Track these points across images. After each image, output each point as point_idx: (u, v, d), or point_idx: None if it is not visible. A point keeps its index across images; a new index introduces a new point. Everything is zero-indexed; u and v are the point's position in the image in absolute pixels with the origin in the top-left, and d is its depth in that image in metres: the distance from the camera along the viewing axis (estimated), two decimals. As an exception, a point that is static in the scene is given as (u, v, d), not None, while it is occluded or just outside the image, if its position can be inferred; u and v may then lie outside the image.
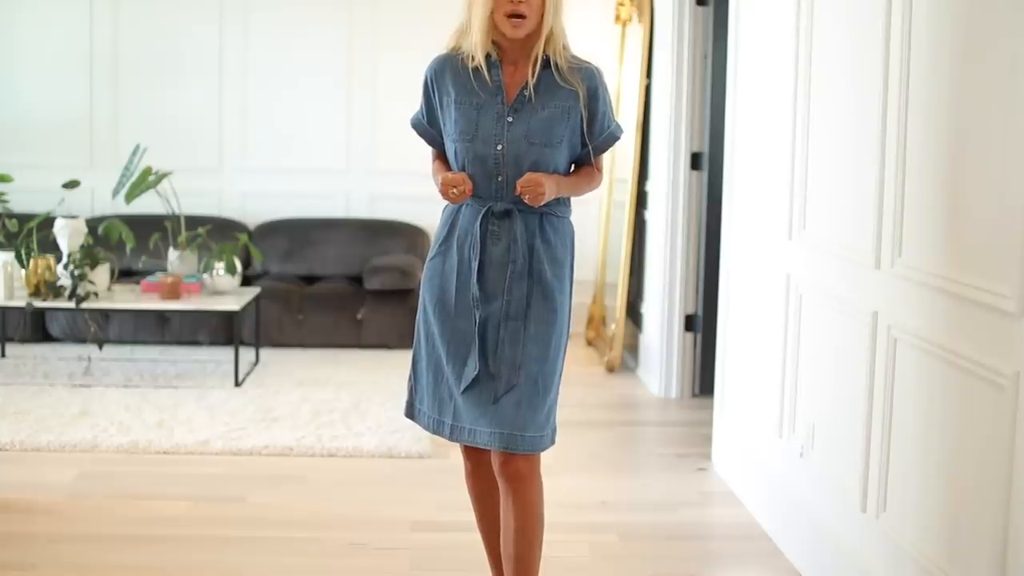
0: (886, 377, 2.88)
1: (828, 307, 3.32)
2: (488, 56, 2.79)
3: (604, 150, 2.89)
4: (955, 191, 2.53)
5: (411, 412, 2.95)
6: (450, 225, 2.84)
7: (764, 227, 3.90)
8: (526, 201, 2.72)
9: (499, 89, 2.78)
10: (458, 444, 2.91)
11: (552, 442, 2.82)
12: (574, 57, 2.81)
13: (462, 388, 2.77)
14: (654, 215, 5.75)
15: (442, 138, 2.88)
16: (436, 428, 2.85)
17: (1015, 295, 2.27)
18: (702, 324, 5.46)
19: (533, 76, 2.77)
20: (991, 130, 2.37)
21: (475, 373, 2.75)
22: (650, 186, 5.90)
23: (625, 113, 6.23)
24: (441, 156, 2.94)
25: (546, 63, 2.77)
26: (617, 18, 6.43)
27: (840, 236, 3.20)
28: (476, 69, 2.78)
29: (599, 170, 2.94)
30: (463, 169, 2.80)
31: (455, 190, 2.74)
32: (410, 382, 2.94)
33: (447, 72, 2.83)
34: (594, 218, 6.78)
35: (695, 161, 5.42)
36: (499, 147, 2.75)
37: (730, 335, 4.31)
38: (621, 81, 6.36)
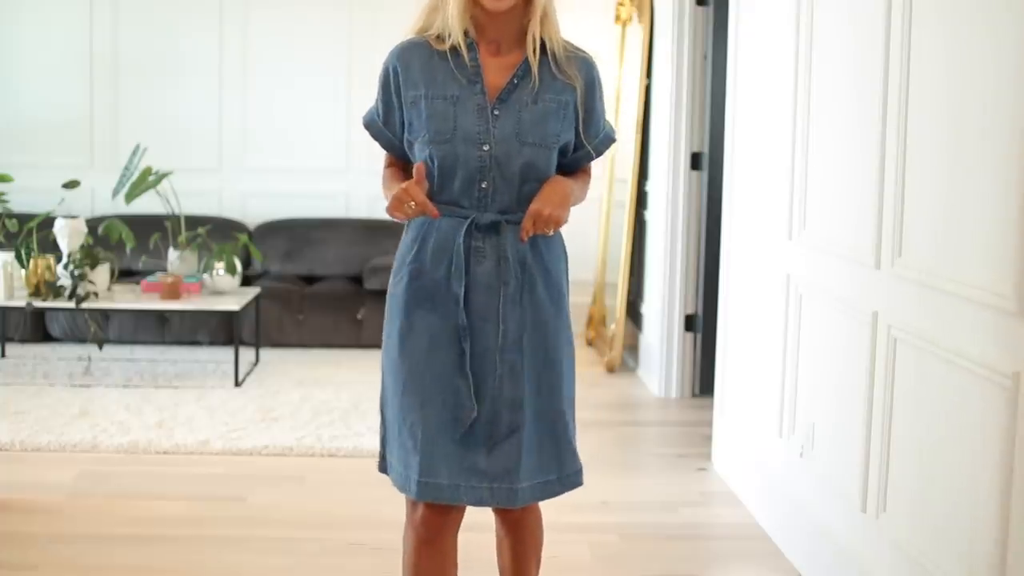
0: (886, 377, 2.88)
1: (828, 307, 3.32)
2: (465, 34, 2.34)
3: (601, 153, 2.50)
4: (955, 191, 2.53)
5: (382, 465, 2.50)
6: (420, 242, 2.37)
7: (764, 227, 3.90)
8: (550, 233, 2.33)
9: (478, 76, 2.33)
10: (410, 503, 2.41)
11: (580, 481, 2.46)
12: (570, 44, 2.41)
13: (459, 434, 2.32)
14: (654, 215, 5.75)
15: (401, 141, 2.43)
16: (404, 484, 2.37)
17: (1015, 295, 2.27)
18: (702, 324, 5.46)
19: (535, 58, 2.34)
20: (991, 130, 2.37)
21: (474, 415, 2.31)
22: (650, 186, 5.90)
23: (625, 113, 6.24)
24: (397, 162, 2.49)
25: (543, 49, 2.36)
26: (617, 18, 6.43)
27: (840, 236, 3.20)
28: (453, 51, 2.33)
29: (590, 174, 2.56)
30: (439, 177, 2.33)
31: (410, 205, 2.25)
32: (382, 431, 2.49)
33: (414, 61, 2.36)
34: (594, 218, 6.78)
35: (695, 161, 5.42)
36: (485, 147, 2.30)
37: (730, 335, 4.31)
38: (621, 81, 6.36)
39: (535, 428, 2.37)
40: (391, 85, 2.40)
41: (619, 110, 6.39)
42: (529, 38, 2.34)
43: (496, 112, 2.32)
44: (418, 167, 2.27)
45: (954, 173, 2.54)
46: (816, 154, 3.41)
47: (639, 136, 5.93)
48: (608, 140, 2.52)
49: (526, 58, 2.35)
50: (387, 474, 2.47)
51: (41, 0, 6.94)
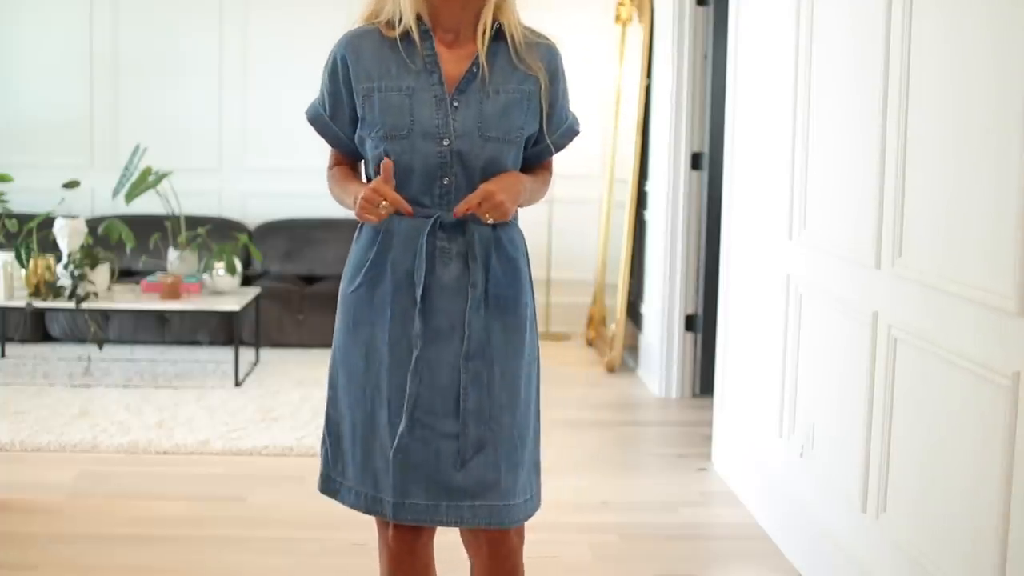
0: (886, 377, 2.88)
1: (828, 307, 3.31)
2: (419, 21, 2.18)
3: (562, 147, 2.34)
4: (955, 191, 2.53)
5: (328, 486, 2.32)
6: (379, 245, 2.21)
7: (764, 227, 3.90)
8: (487, 220, 2.16)
9: (434, 66, 2.17)
10: (381, 521, 2.31)
11: (539, 504, 2.31)
12: (530, 31, 2.26)
13: (392, 451, 2.18)
14: (654, 215, 5.75)
15: (349, 137, 2.28)
16: (370, 506, 2.25)
17: (1015, 295, 2.27)
18: (702, 324, 5.46)
19: (484, 47, 2.18)
20: (991, 130, 2.37)
21: (401, 429, 2.17)
22: (650, 186, 5.90)
23: (625, 113, 6.24)
24: (344, 160, 2.34)
25: (497, 35, 2.21)
26: (617, 18, 6.43)
27: (840, 236, 3.20)
28: (405, 38, 2.18)
29: (550, 170, 2.40)
30: (397, 174, 2.16)
31: (383, 206, 2.10)
32: (323, 446, 2.32)
33: (364, 50, 2.20)
34: (594, 218, 6.78)
35: (695, 161, 5.42)
36: (444, 142, 2.15)
37: (730, 335, 4.31)
38: (621, 81, 6.36)
39: (500, 439, 2.20)
40: (339, 76, 2.23)
41: (619, 110, 6.39)
42: (480, 25, 2.18)
43: (455, 104, 2.17)
44: (386, 164, 2.11)
45: (955, 173, 2.54)
46: (816, 154, 3.41)
47: (639, 136, 5.93)
48: (570, 132, 2.34)
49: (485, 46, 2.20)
50: (334, 496, 2.31)
51: (41, 0, 6.94)
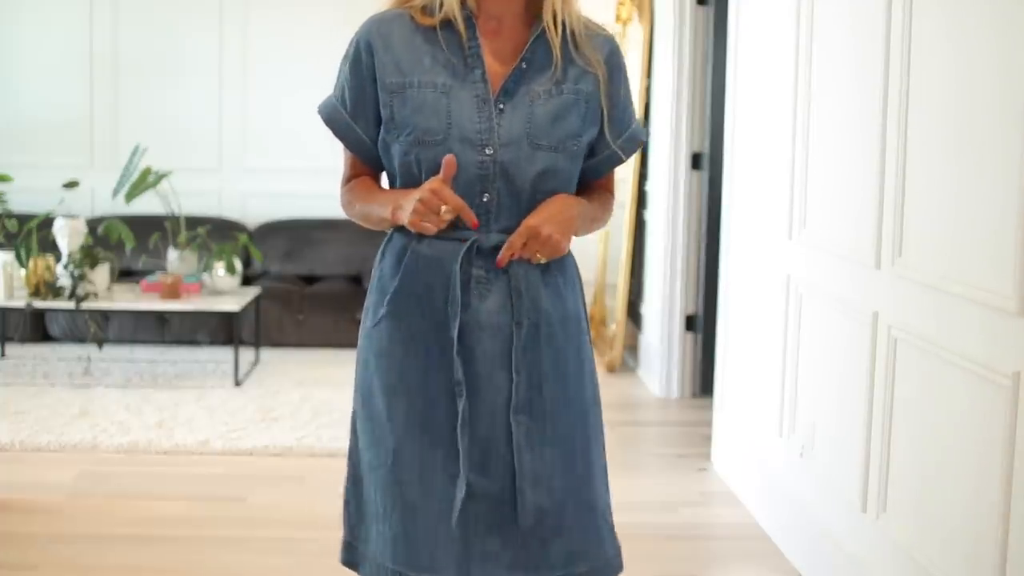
0: (886, 377, 2.88)
1: (828, 307, 3.31)
2: (462, 6, 1.86)
3: (628, 155, 2.00)
4: (955, 191, 2.53)
5: (352, 557, 2.05)
6: (404, 271, 1.89)
7: (764, 227, 3.90)
8: (539, 261, 1.86)
9: (477, 60, 1.85)
10: None
11: (621, 563, 2.01)
12: (589, 21, 1.94)
13: (453, 518, 1.86)
14: (654, 215, 5.75)
15: (373, 141, 1.93)
16: None
17: (1015, 295, 2.27)
18: (702, 324, 5.46)
19: (557, 35, 1.87)
20: (991, 130, 2.37)
21: (461, 493, 1.85)
22: (650, 186, 5.90)
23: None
24: (364, 170, 2.00)
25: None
26: (617, 18, 6.43)
27: (840, 236, 3.20)
28: (444, 26, 1.86)
29: (612, 192, 2.06)
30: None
31: (445, 211, 1.78)
32: (347, 509, 2.03)
33: (393, 39, 1.87)
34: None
35: (695, 161, 5.42)
36: (487, 151, 1.83)
37: (730, 335, 4.31)
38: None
39: (564, 504, 1.91)
40: (363, 67, 1.89)
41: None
42: (548, 8, 1.85)
43: (501, 106, 1.84)
44: (448, 160, 1.78)
45: (955, 173, 2.54)
46: (816, 154, 3.41)
47: (639, 136, 5.93)
48: (635, 139, 2.00)
49: (536, 38, 1.86)
50: (356, 569, 2.03)
51: (41, 0, 6.94)
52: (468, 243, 1.85)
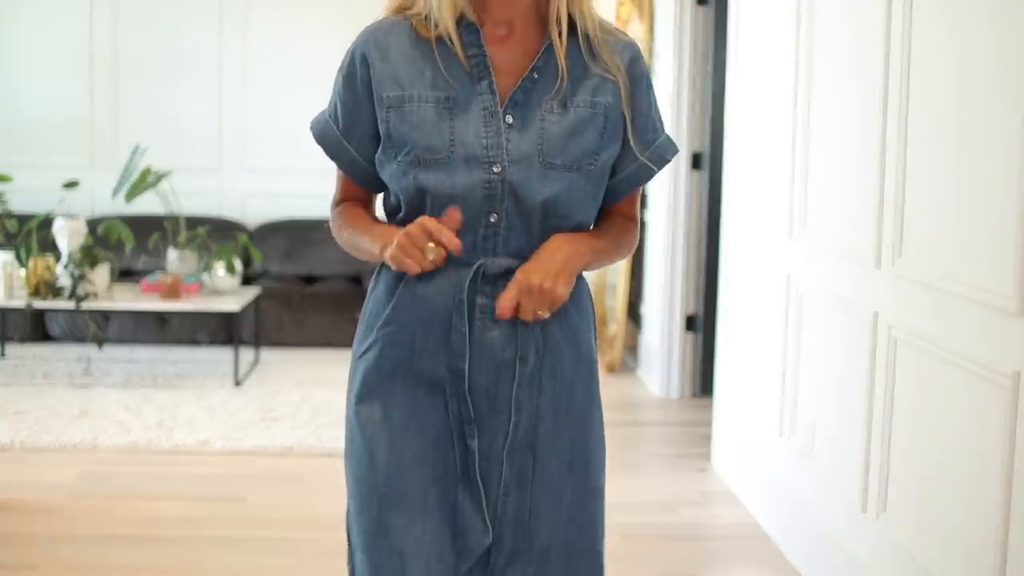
0: (886, 377, 2.88)
1: (828, 307, 3.31)
2: (461, 17, 1.70)
3: (659, 167, 1.80)
4: (955, 191, 2.53)
5: None
6: (400, 296, 1.73)
7: (764, 227, 3.90)
8: (539, 318, 1.69)
9: (483, 71, 1.69)
10: None
11: None
12: (607, 24, 1.76)
13: (465, 567, 1.73)
14: (654, 215, 5.75)
15: (369, 161, 1.77)
16: None
17: (1016, 295, 2.26)
18: (703, 324, 5.46)
19: (562, 43, 1.69)
20: (991, 129, 2.37)
21: (488, 540, 1.72)
22: (650, 186, 5.90)
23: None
24: (356, 192, 1.85)
25: (570, 31, 1.71)
26: (617, 18, 6.42)
27: (840, 236, 3.20)
28: (442, 39, 1.70)
29: (634, 220, 1.87)
30: (432, 211, 1.68)
31: (430, 250, 1.63)
32: (350, 565, 1.84)
33: (391, 50, 1.72)
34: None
35: (695, 161, 5.42)
36: (495, 169, 1.67)
37: (730, 335, 4.31)
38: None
39: (556, 561, 1.78)
40: (358, 80, 1.74)
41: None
42: (553, 12, 1.69)
43: (510, 120, 1.68)
44: (452, 214, 1.64)
45: (955, 172, 2.54)
46: (816, 153, 3.41)
47: (639, 136, 5.92)
48: (664, 154, 1.80)
49: (548, 45, 1.70)
50: None
51: (41, 0, 6.94)
52: (474, 268, 1.69)
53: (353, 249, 1.82)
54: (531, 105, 1.69)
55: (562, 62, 1.69)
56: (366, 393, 1.74)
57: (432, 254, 1.64)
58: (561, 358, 1.75)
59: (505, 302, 1.66)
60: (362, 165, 1.78)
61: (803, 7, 3.50)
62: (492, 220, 1.69)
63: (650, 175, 1.79)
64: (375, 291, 1.79)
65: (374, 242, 1.73)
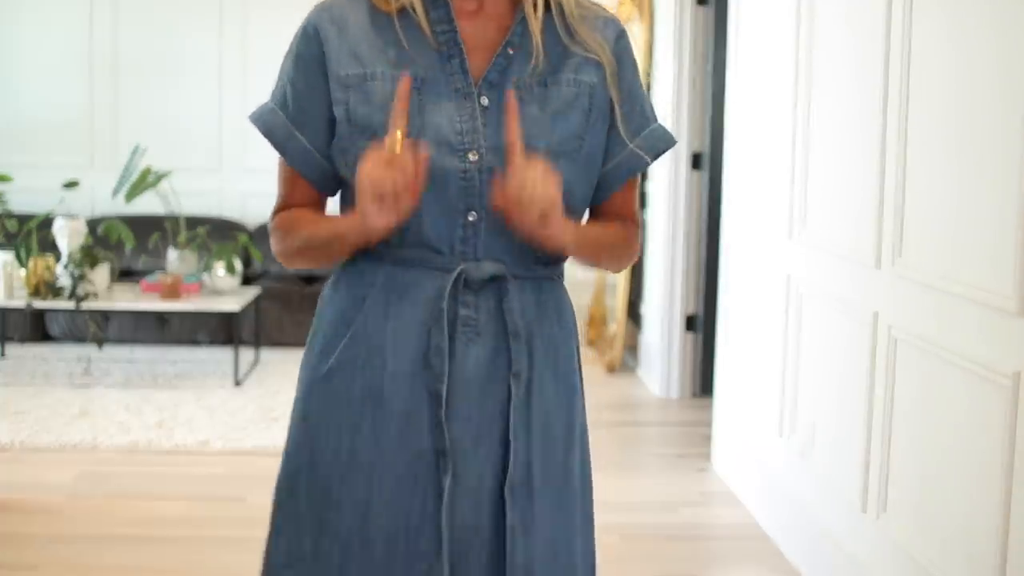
0: (886, 377, 2.88)
1: (828, 307, 3.31)
2: None
3: (655, 156, 1.61)
4: (955, 191, 2.53)
5: None
6: (367, 307, 1.50)
7: (764, 227, 3.90)
8: (524, 226, 1.43)
9: (454, 49, 1.49)
10: None
11: None
12: (586, 0, 1.58)
13: None
14: (654, 215, 5.75)
15: (323, 153, 1.54)
16: None
17: (1016, 295, 2.26)
18: (703, 324, 5.46)
19: (537, 16, 1.51)
20: (992, 128, 2.37)
21: None
22: (650, 186, 5.90)
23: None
24: (303, 198, 1.59)
25: (545, 8, 1.53)
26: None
27: (840, 236, 3.20)
28: (405, 13, 1.50)
29: (633, 220, 1.65)
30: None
31: (397, 186, 1.37)
32: None
33: (349, 24, 1.51)
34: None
35: (695, 161, 5.42)
36: (471, 157, 1.47)
37: (730, 335, 4.31)
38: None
39: None
40: (311, 60, 1.51)
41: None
42: None
43: (485, 102, 1.48)
44: (404, 83, 1.41)
45: (955, 172, 2.54)
46: (816, 153, 3.41)
47: (639, 136, 5.92)
48: (657, 140, 1.62)
49: (521, 18, 1.51)
50: None
51: (41, 0, 6.94)
52: (454, 275, 1.47)
53: (307, 246, 1.55)
54: (507, 85, 1.49)
55: (537, 36, 1.50)
56: (322, 422, 1.52)
57: (405, 191, 1.37)
58: (545, 376, 1.54)
59: (500, 190, 1.42)
60: (315, 159, 1.54)
61: (803, 7, 3.50)
62: (471, 219, 1.48)
63: (642, 165, 1.60)
64: (336, 295, 1.55)
65: (339, 224, 1.50)
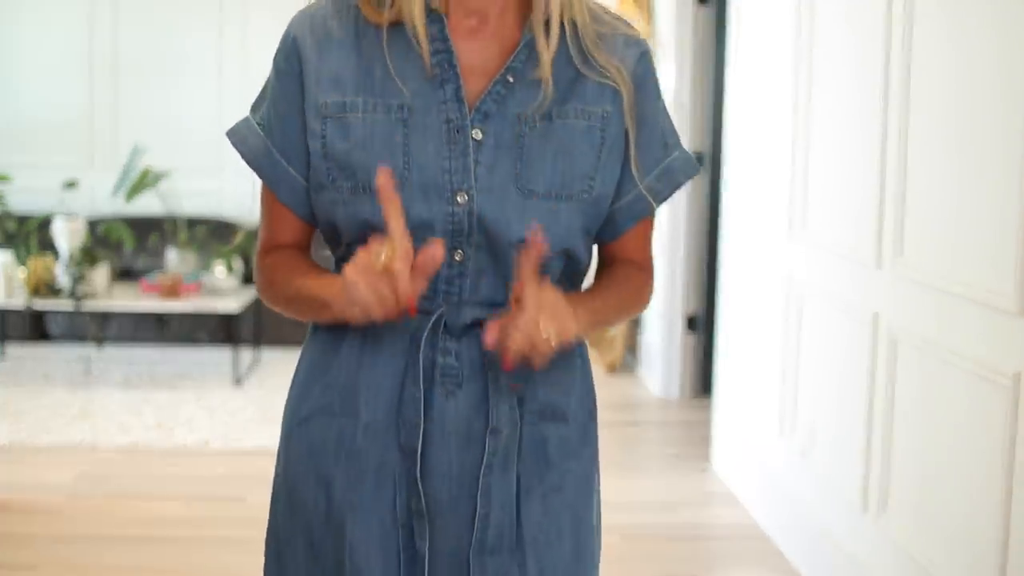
0: (887, 377, 2.88)
1: (828, 307, 3.31)
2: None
3: (663, 198, 1.42)
4: (957, 190, 2.53)
5: None
6: (343, 355, 1.37)
7: (764, 227, 3.90)
8: (535, 360, 1.24)
9: (449, 73, 1.31)
10: None
11: None
12: (602, 11, 1.39)
13: None
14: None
15: (304, 178, 1.36)
16: None
17: (1016, 295, 2.26)
18: (703, 324, 5.46)
19: (547, 40, 1.31)
20: (993, 128, 2.37)
21: None
22: (650, 186, 5.89)
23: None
24: (289, 234, 1.42)
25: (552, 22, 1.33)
26: (617, 18, 6.42)
27: (840, 235, 3.20)
28: (395, 28, 1.32)
29: (647, 269, 1.46)
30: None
31: (387, 293, 1.19)
32: None
33: (331, 41, 1.35)
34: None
35: (696, 161, 5.42)
36: (460, 199, 1.29)
37: (730, 335, 4.31)
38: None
39: None
40: (291, 75, 1.37)
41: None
42: (538, 8, 1.32)
43: (478, 135, 1.30)
44: (383, 174, 1.20)
45: (956, 172, 2.54)
46: (816, 153, 3.41)
47: (639, 136, 5.93)
48: (674, 175, 1.43)
49: (528, 39, 1.33)
50: None
51: (41, 0, 6.94)
52: (433, 318, 1.32)
53: (290, 308, 1.40)
54: (506, 116, 1.30)
55: (547, 62, 1.31)
56: (303, 474, 1.41)
57: (389, 300, 1.19)
58: (546, 433, 1.37)
59: (494, 326, 1.23)
60: (301, 188, 1.36)
61: (803, 7, 3.50)
62: (457, 259, 1.31)
63: (648, 210, 1.41)
64: (314, 342, 1.42)
65: (326, 289, 1.32)
